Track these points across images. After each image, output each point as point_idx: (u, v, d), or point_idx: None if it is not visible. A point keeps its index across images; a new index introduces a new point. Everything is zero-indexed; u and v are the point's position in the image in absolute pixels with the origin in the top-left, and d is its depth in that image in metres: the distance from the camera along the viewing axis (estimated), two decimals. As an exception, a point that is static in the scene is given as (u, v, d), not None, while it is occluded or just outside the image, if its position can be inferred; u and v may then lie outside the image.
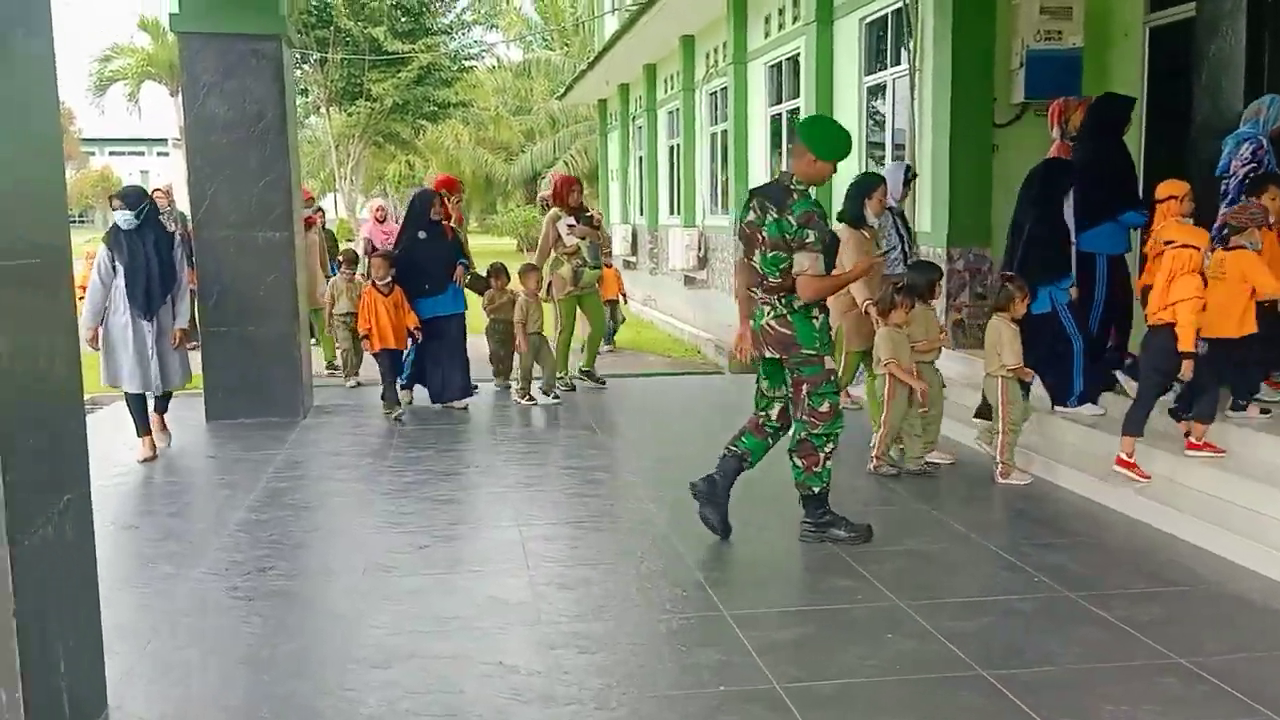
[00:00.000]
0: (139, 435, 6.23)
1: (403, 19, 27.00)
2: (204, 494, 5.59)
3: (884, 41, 10.16)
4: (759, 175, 14.01)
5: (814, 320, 4.42)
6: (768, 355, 4.50)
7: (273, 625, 3.67)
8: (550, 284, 8.01)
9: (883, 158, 10.53)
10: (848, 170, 10.74)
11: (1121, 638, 3.55)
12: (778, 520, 5.04)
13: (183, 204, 10.80)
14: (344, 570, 4.25)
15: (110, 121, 41.59)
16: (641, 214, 20.99)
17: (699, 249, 16.56)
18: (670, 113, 19.28)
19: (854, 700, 3.13)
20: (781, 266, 4.35)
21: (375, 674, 3.29)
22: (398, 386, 7.47)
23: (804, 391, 4.44)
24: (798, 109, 12.31)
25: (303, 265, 7.78)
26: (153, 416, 6.34)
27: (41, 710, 2.53)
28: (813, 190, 4.47)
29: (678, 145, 18.41)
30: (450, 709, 3.06)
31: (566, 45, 36.35)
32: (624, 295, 12.52)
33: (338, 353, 9.14)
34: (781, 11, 12.64)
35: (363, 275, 9.02)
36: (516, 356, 7.96)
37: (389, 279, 7.18)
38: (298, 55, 27.70)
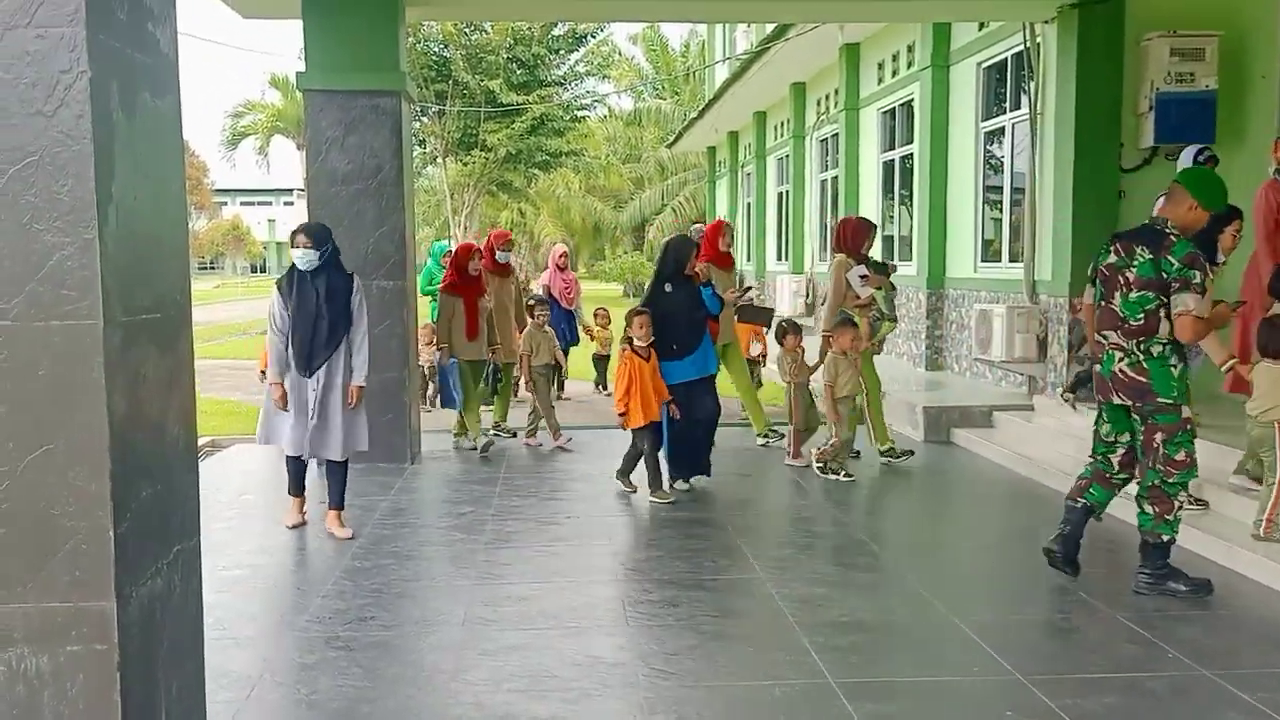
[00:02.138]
0: (290, 494, 5.76)
1: (518, 71, 27.67)
2: (310, 540, 5.66)
3: (1003, 85, 9.93)
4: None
5: (1172, 368, 4.38)
6: (1116, 402, 4.50)
7: (372, 677, 3.66)
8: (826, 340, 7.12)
9: (1000, 203, 10.25)
10: (965, 215, 10.51)
11: (1267, 725, 3.27)
12: (878, 580, 4.86)
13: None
14: (443, 622, 4.23)
15: (240, 173, 43.62)
16: (749, 260, 20.92)
17: (807, 295, 16.38)
18: (780, 159, 19.22)
19: (970, 784, 2.94)
20: (1147, 308, 4.34)
21: (471, 733, 3.24)
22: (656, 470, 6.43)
23: (1158, 440, 4.41)
24: (911, 154, 12.10)
25: (500, 315, 8.03)
26: (328, 513, 5.64)
27: (141, 763, 2.55)
28: None
29: (787, 192, 18.31)
30: (545, 774, 2.99)
31: (677, 94, 36.77)
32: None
33: (535, 409, 8.18)
34: (895, 58, 12.50)
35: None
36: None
37: (650, 340, 6.33)
38: (417, 108, 28.65)
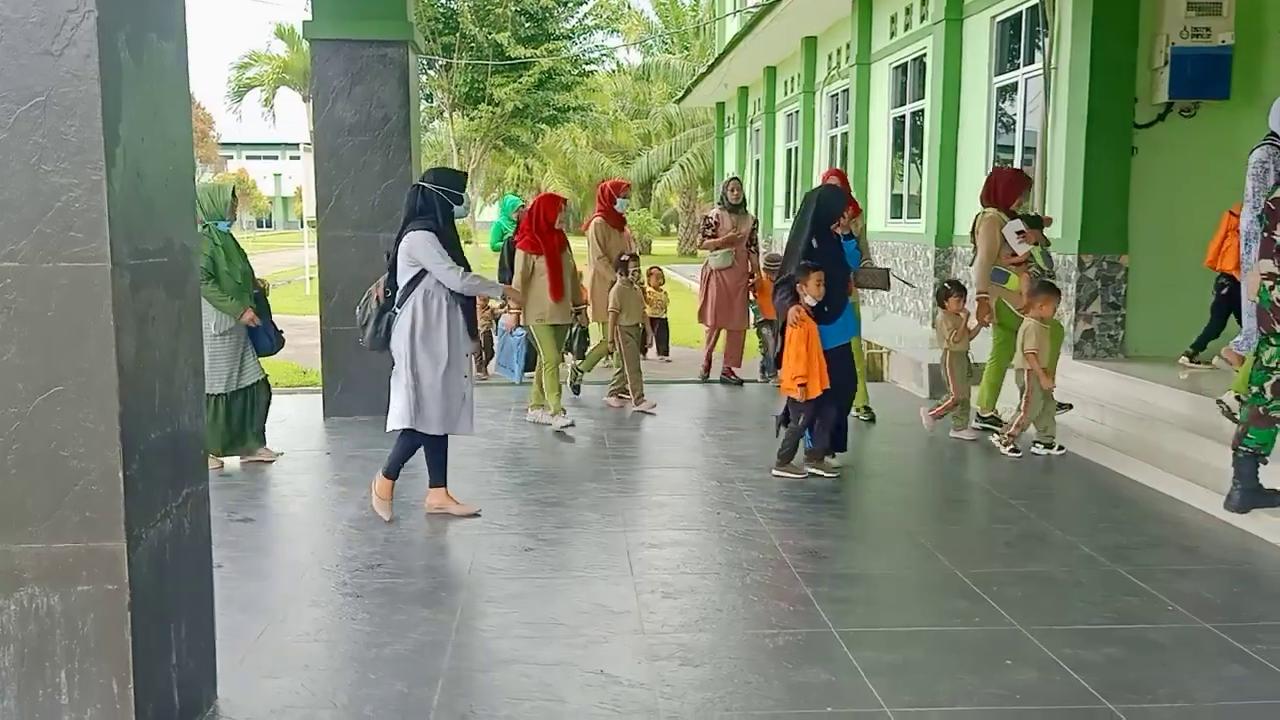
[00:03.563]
0: (438, 483, 5.14)
1: (526, 24, 27.36)
2: (318, 490, 5.71)
3: (1017, 39, 9.80)
4: (880, 178, 13.71)
5: None
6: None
7: (379, 623, 3.70)
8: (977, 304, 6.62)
9: (1011, 160, 10.16)
10: (975, 172, 10.43)
11: (1264, 674, 3.29)
12: (891, 534, 4.88)
13: (310, 207, 11.14)
14: (450, 571, 4.26)
15: (246, 126, 43.37)
16: (758, 217, 20.82)
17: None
18: (789, 115, 19.05)
19: (969, 730, 2.98)
20: None
21: (477, 678, 3.28)
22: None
23: None
24: (922, 111, 11.99)
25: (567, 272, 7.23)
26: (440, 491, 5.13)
27: (152, 700, 2.59)
28: None
29: (796, 148, 18.18)
30: (550, 717, 3.02)
31: (686, 49, 36.40)
32: None
33: (623, 372, 7.87)
34: (909, 10, 12.33)
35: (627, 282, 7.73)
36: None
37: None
38: (424, 61, 28.39)
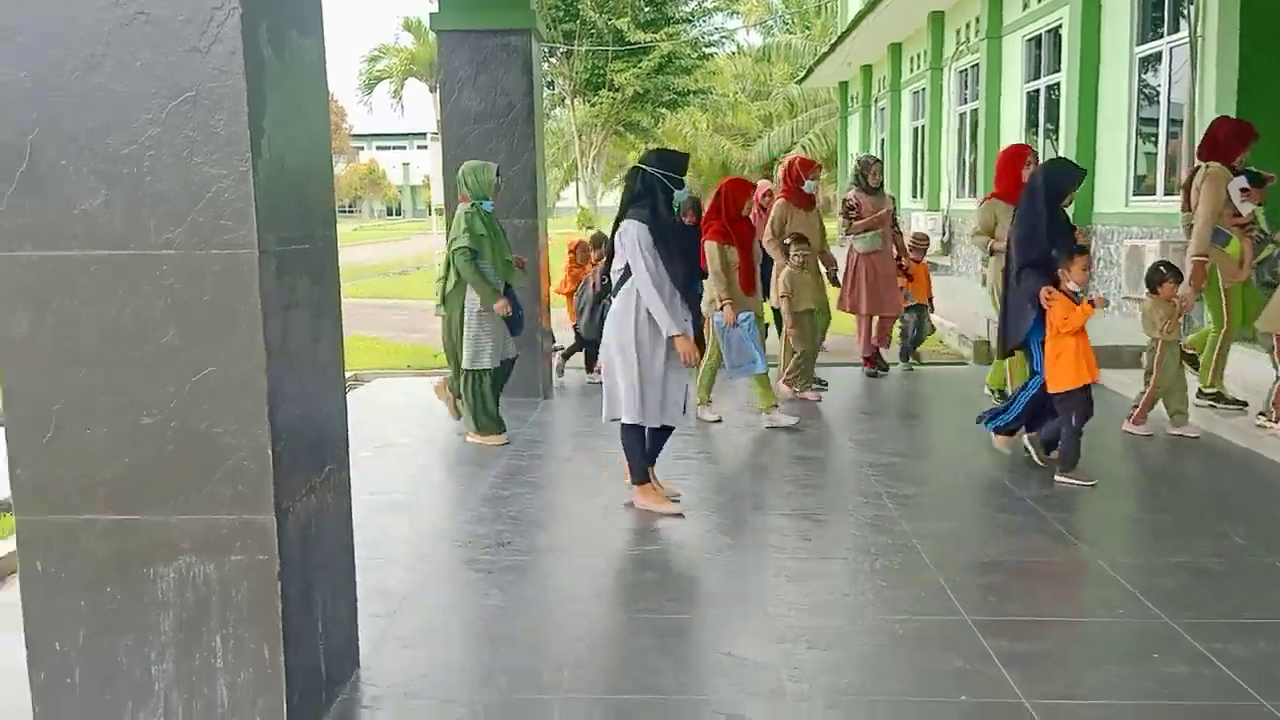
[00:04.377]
0: (643, 479, 4.87)
1: (645, 9, 27.46)
2: (452, 469, 5.86)
3: (1160, 6, 9.35)
4: (1011, 156, 13.24)
5: None
6: None
7: (510, 598, 3.78)
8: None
9: (1155, 135, 9.70)
10: (1116, 147, 9.99)
11: None
12: (1017, 520, 4.74)
13: (438, 195, 11.40)
14: (577, 550, 4.33)
15: (376, 117, 44.71)
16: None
17: (943, 234, 15.89)
18: (915, 93, 18.60)
19: (1112, 724, 2.87)
20: None
21: (601, 654, 3.32)
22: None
23: None
24: (1058, 84, 11.54)
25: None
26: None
27: (300, 669, 2.71)
28: None
29: (922, 127, 17.74)
30: (677, 697, 3.04)
31: (808, 28, 35.84)
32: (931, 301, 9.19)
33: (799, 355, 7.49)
34: (1041, -20, 11.89)
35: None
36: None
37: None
38: (545, 49, 28.75)
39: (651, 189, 4.62)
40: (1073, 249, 5.17)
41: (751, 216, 6.64)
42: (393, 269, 23.92)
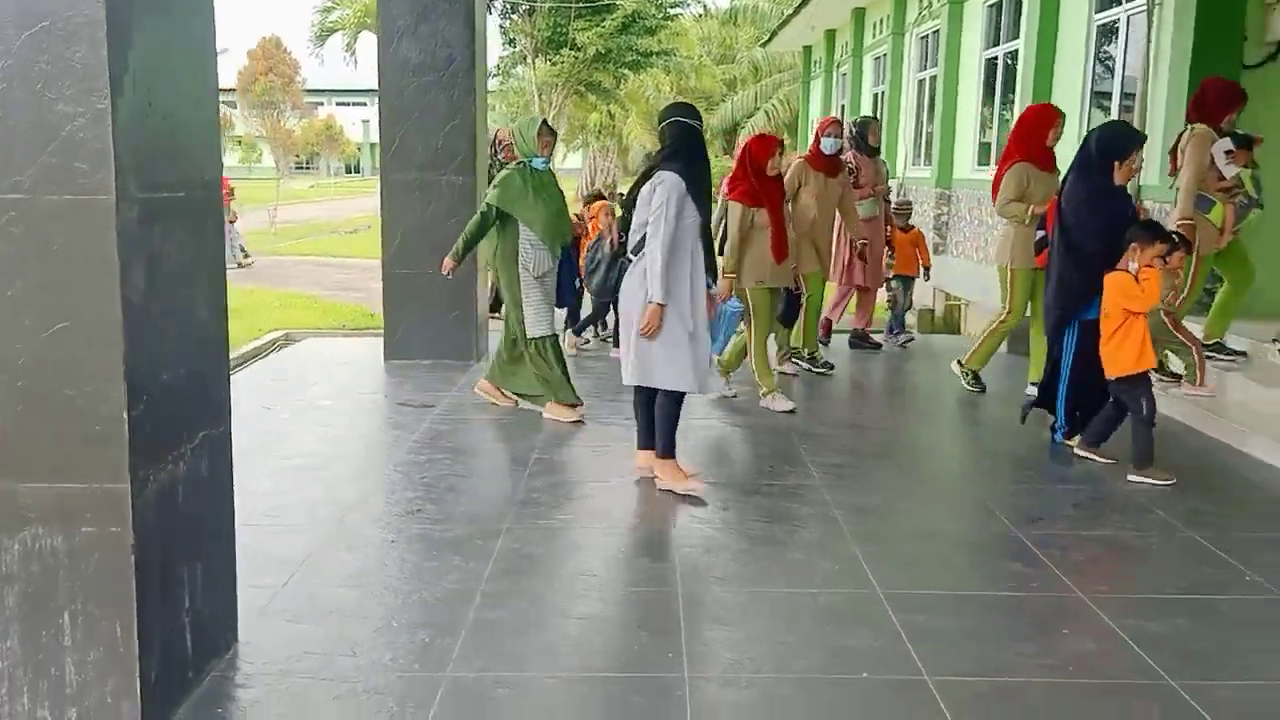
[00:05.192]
0: (671, 452, 4.56)
1: (610, -33, 27.01)
2: (371, 433, 5.69)
3: (1117, -26, 9.23)
4: (968, 124, 13.15)
5: None
6: None
7: (410, 570, 3.64)
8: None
9: (1109, 107, 9.61)
10: (1072, 118, 9.90)
11: (1352, 662, 3.03)
12: (947, 493, 4.67)
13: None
14: (488, 517, 4.18)
15: (330, 71, 43.75)
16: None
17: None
18: (877, 59, 18.44)
19: (1013, 702, 2.78)
20: None
21: (503, 629, 3.19)
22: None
23: None
24: (1016, 51, 11.42)
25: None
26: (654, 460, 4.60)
27: (159, 646, 2.54)
28: None
29: (883, 93, 17.59)
30: (579, 665, 2.92)
31: (776, -10, 35.46)
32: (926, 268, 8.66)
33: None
34: (1002, -56, 11.74)
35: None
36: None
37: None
38: (508, 5, 28.22)
39: (689, 142, 4.40)
40: (1156, 235, 4.73)
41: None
42: (344, 227, 23.51)
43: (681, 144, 4.40)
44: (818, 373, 7.07)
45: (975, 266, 11.83)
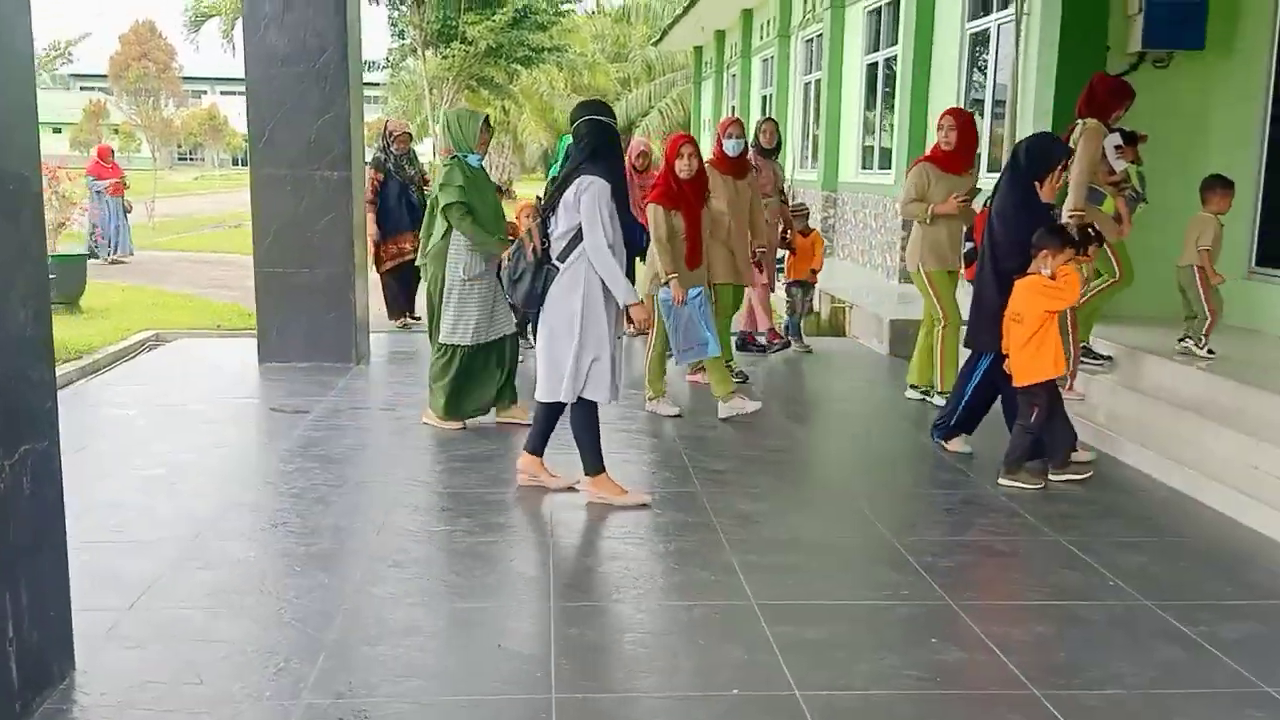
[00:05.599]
0: (600, 469, 4.44)
1: (500, -41, 26.68)
2: (238, 440, 5.44)
3: (991, -16, 9.47)
4: (852, 127, 13.37)
5: None
6: None
7: (269, 590, 3.46)
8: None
9: (981, 114, 9.86)
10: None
11: (1202, 658, 3.12)
12: (828, 499, 4.68)
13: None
14: (358, 530, 4.02)
15: (207, 58, 42.12)
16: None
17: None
18: (765, 60, 18.62)
19: (879, 717, 2.78)
20: None
21: (364, 650, 3.05)
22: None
23: None
24: (895, 57, 11.64)
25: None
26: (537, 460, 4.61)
27: (-27, 680, 2.34)
28: None
29: (771, 95, 17.77)
30: (440, 688, 2.80)
31: (668, -10, 35.60)
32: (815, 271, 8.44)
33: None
34: (883, -49, 11.95)
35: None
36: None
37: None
38: (393, -5, 27.60)
39: (606, 141, 4.28)
40: (1064, 241, 4.72)
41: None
42: (229, 221, 22.67)
43: (599, 144, 4.29)
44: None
45: (859, 269, 12.03)
